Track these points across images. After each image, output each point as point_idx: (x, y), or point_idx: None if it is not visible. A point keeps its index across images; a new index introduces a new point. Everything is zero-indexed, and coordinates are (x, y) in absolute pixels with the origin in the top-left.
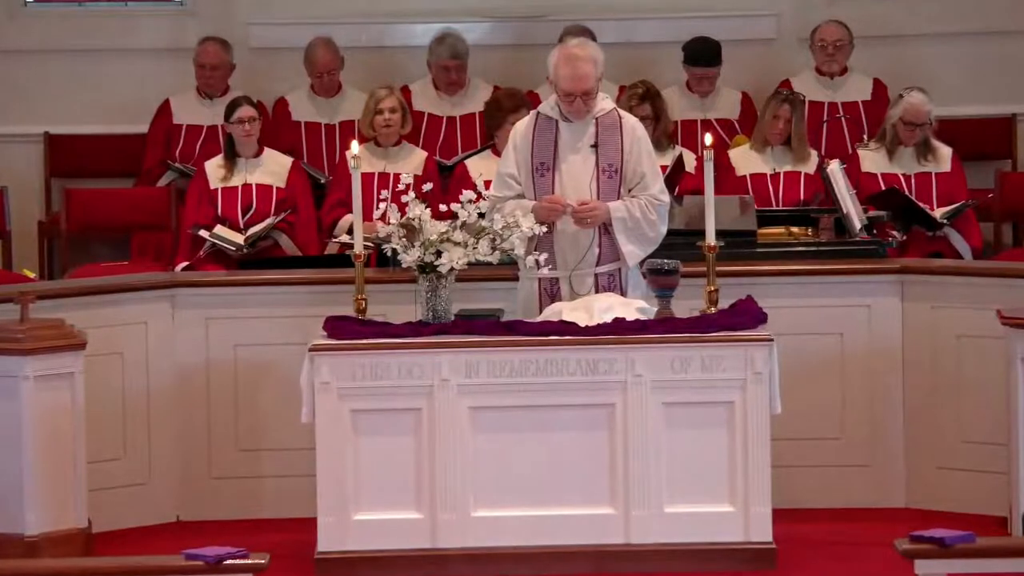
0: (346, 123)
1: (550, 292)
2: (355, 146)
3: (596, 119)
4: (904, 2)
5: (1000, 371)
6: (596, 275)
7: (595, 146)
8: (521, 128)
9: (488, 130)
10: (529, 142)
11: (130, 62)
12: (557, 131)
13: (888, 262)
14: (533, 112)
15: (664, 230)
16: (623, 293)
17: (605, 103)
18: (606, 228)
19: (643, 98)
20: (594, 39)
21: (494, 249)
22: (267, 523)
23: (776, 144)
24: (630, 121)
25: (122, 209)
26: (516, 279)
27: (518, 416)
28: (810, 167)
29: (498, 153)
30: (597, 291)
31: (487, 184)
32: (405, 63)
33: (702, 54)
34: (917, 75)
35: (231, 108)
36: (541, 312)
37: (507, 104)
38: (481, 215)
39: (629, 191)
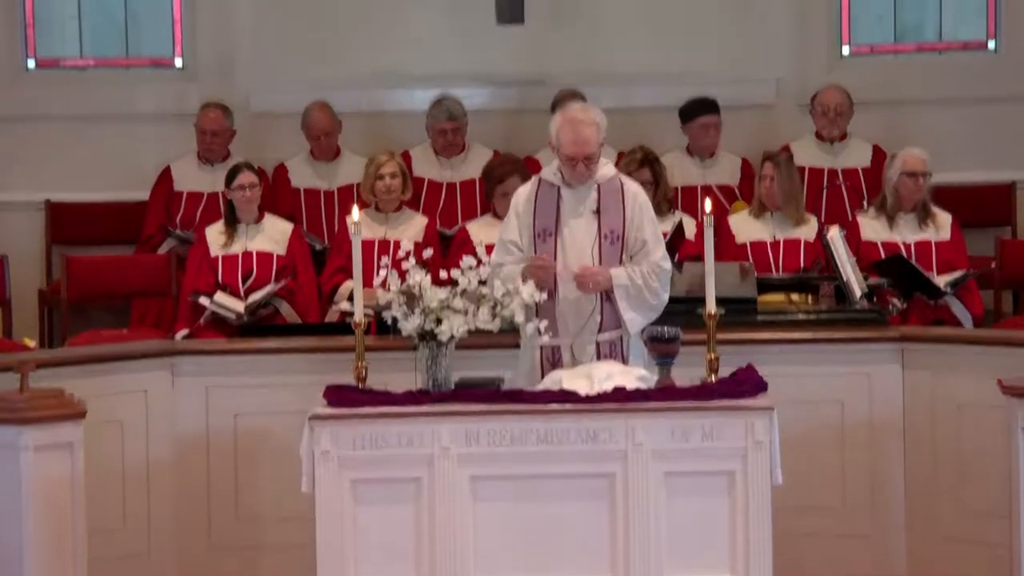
0: (345, 188)
1: (552, 360)
2: (355, 212)
3: (598, 185)
4: (904, 68)
5: (1001, 440)
6: (598, 343)
7: (597, 212)
8: (523, 194)
9: (486, 196)
10: (531, 208)
11: (131, 127)
12: (559, 197)
13: (888, 330)
14: (535, 177)
15: (666, 298)
16: (625, 361)
17: (607, 169)
18: (608, 295)
19: (642, 163)
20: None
21: (495, 316)
22: None
23: (772, 206)
24: (632, 187)
25: (122, 276)
26: (517, 346)
27: (518, 485)
28: (810, 234)
29: (499, 217)
30: (599, 359)
31: (488, 249)
32: (405, 129)
33: (700, 105)
34: (917, 141)
35: (232, 174)
36: (542, 380)
37: (497, 173)
38: (482, 282)
39: (631, 258)
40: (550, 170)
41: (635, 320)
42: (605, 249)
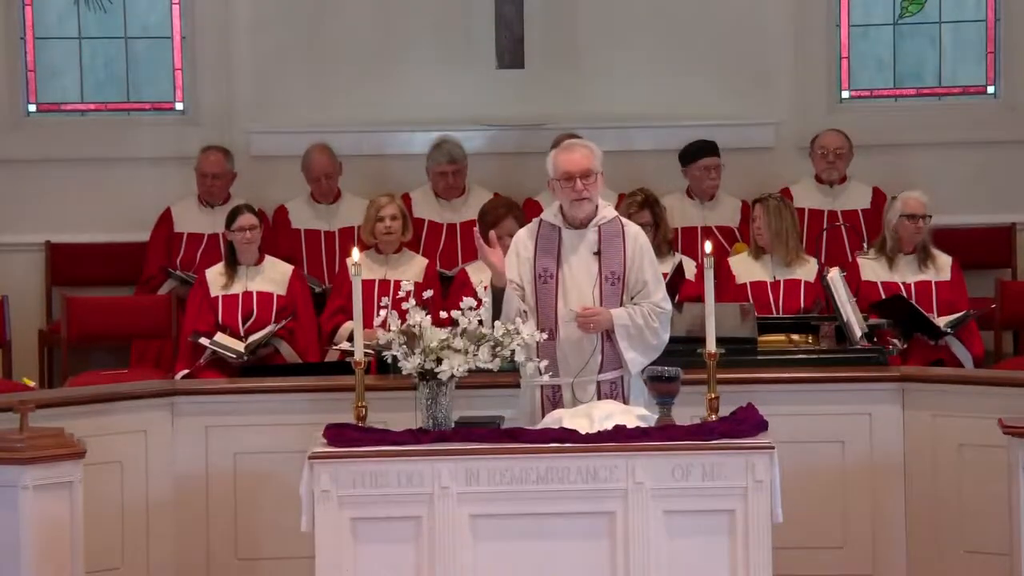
0: (345, 230)
1: (552, 399)
2: (356, 253)
3: (599, 227)
4: (904, 111)
5: (1002, 480)
6: (599, 382)
7: (598, 253)
8: (523, 235)
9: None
10: (531, 250)
11: (132, 170)
12: (560, 239)
13: (889, 370)
14: (536, 220)
15: (666, 338)
16: (625, 401)
17: (607, 211)
18: (608, 335)
19: (642, 205)
20: None
21: (495, 356)
22: None
23: (767, 249)
24: (632, 229)
25: (122, 317)
26: (517, 386)
27: (519, 524)
28: (810, 274)
29: None
30: (599, 398)
31: (486, 288)
32: (405, 171)
33: (700, 147)
34: (917, 184)
35: (232, 216)
36: (543, 419)
37: (490, 217)
38: (481, 322)
39: (631, 299)
40: (551, 211)
41: (636, 360)
42: (606, 290)
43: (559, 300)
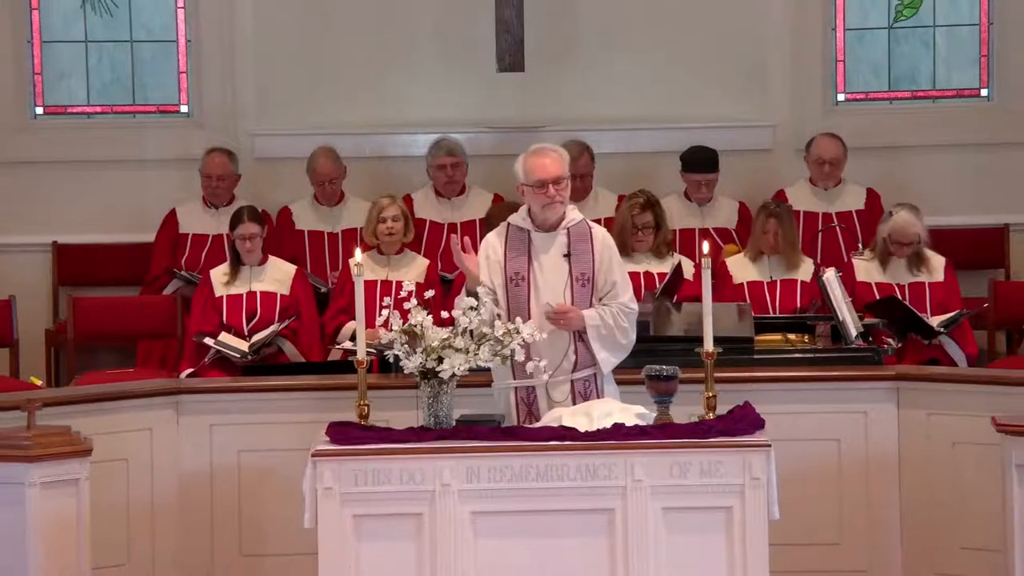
0: (348, 231)
1: (527, 401)
2: (358, 254)
3: (568, 229)
4: (899, 114)
5: (996, 478)
6: (572, 381)
7: (568, 255)
8: (492, 239)
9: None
10: (501, 253)
11: (137, 172)
12: (530, 241)
13: (884, 369)
14: (503, 224)
15: (634, 337)
16: (599, 393)
17: (574, 213)
18: (580, 336)
19: (644, 207)
20: (590, 152)
21: (495, 355)
22: None
23: (770, 254)
24: (599, 231)
25: (128, 317)
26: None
27: (519, 521)
28: (806, 275)
29: None
30: (573, 397)
31: (463, 292)
32: (407, 173)
33: (700, 161)
34: (911, 185)
35: (235, 220)
36: (518, 420)
37: (497, 222)
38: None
39: (600, 300)
40: (519, 215)
41: (607, 360)
42: (577, 291)
43: (531, 301)
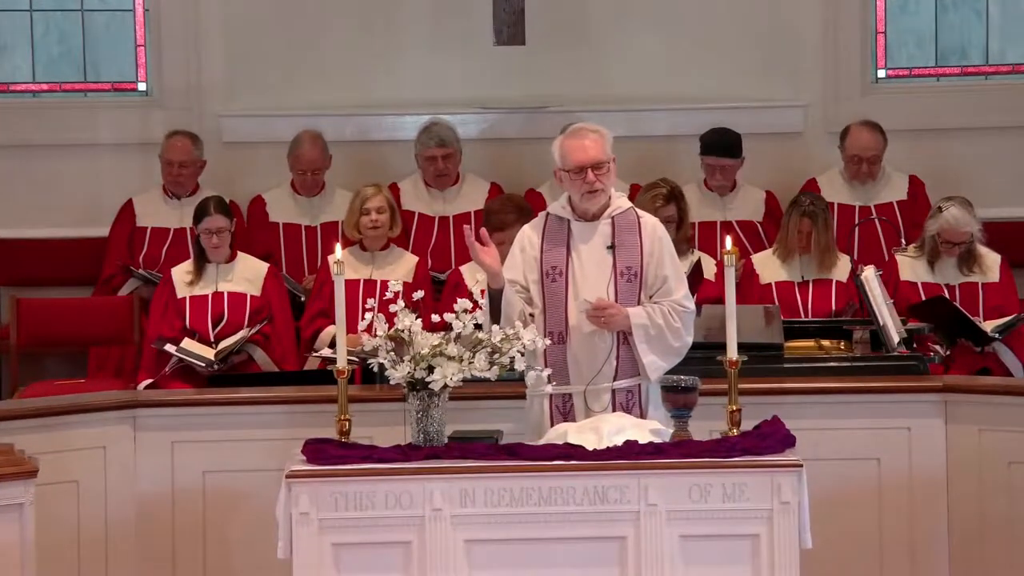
0: (329, 225)
1: (563, 410)
2: (338, 250)
3: (612, 218)
4: (943, 93)
5: None
6: (613, 391)
7: (612, 247)
8: (528, 231)
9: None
10: (538, 246)
11: (89, 158)
12: (569, 232)
13: (930, 380)
14: (543, 213)
15: (690, 340)
16: (642, 412)
17: (622, 201)
18: (624, 338)
19: (668, 199)
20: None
21: (492, 364)
22: None
23: (802, 255)
24: (650, 221)
25: (79, 321)
26: (517, 397)
27: (519, 550)
28: (842, 274)
29: None
30: (614, 408)
31: (483, 292)
32: (393, 158)
33: (718, 145)
34: (960, 173)
35: (200, 212)
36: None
37: (496, 219)
38: (478, 326)
39: (650, 297)
40: (559, 204)
41: (655, 364)
42: (621, 287)
43: (569, 299)
